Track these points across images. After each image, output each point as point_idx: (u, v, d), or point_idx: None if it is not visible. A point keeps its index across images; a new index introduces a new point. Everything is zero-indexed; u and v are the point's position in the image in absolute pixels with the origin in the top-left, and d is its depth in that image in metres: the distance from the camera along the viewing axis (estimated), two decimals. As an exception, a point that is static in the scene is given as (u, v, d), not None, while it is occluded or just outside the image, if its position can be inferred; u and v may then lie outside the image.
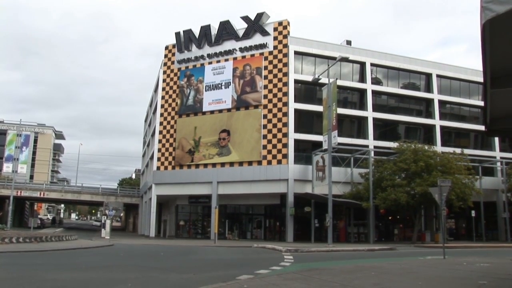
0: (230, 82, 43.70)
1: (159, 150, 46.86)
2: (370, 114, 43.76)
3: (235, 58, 44.18)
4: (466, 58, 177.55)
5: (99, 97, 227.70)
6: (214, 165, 43.11)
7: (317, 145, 38.74)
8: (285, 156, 40.11)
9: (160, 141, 47.08)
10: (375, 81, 45.92)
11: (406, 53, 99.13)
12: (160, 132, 47.34)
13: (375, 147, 41.83)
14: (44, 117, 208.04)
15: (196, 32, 46.42)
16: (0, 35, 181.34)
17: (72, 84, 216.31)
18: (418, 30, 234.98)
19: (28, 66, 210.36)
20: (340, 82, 38.26)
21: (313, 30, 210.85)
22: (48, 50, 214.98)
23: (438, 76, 47.52)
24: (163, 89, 48.27)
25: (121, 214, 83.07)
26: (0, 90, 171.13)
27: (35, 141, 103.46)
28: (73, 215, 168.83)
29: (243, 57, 43.80)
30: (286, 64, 41.77)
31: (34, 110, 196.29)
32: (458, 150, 40.51)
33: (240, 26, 44.39)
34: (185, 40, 46.97)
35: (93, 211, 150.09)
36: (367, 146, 41.45)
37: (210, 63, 45.44)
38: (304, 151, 41.59)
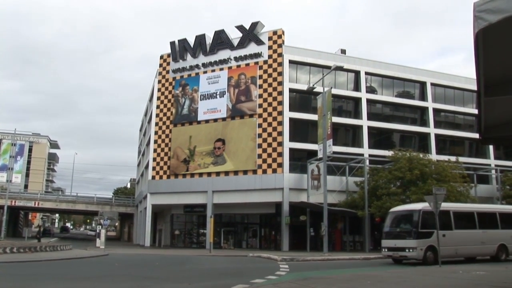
0: (225, 91, 43.76)
1: (154, 159, 46.78)
2: (365, 122, 43.87)
3: (230, 68, 44.27)
4: (464, 67, 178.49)
5: (98, 106, 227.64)
6: (209, 174, 43.05)
7: (312, 154, 38.74)
8: (280, 165, 40.10)
9: (155, 150, 47.01)
10: (370, 90, 46.06)
11: (405, 63, 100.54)
12: (155, 142, 47.28)
13: (370, 155, 41.87)
14: (42, 126, 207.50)
15: (191, 42, 46.52)
16: None
17: (71, 93, 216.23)
18: (417, 40, 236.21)
19: (27, 76, 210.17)
20: (334, 91, 38.38)
21: (313, 40, 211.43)
22: (47, 60, 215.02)
23: (432, 84, 47.73)
24: (158, 98, 48.29)
25: (116, 224, 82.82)
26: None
27: (30, 150, 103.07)
28: (68, 225, 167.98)
29: (238, 66, 43.90)
30: (281, 73, 41.88)
31: (32, 119, 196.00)
32: (453, 158, 40.55)
33: (235, 36, 44.52)
34: (180, 49, 47.06)
35: (88, 220, 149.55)
36: (362, 155, 41.49)
37: (205, 72, 45.51)
38: (299, 160, 41.59)
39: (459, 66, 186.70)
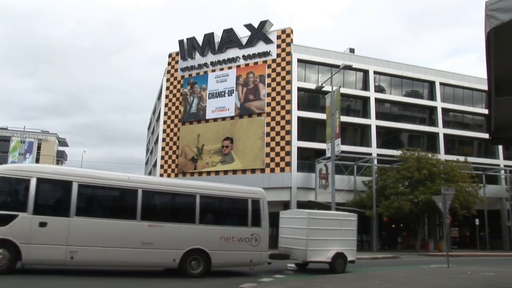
0: (233, 90, 43.77)
1: (162, 157, 46.88)
2: (373, 122, 43.74)
3: (238, 66, 44.28)
4: (478, 67, 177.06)
5: (110, 105, 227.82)
6: (217, 172, 43.09)
7: (320, 153, 38.69)
8: (288, 164, 40.07)
9: (163, 148, 47.10)
10: (378, 89, 45.92)
11: (417, 63, 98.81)
12: (163, 140, 47.37)
13: (378, 155, 41.76)
14: (53, 124, 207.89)
15: (200, 40, 46.56)
16: (13, 43, 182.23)
17: (83, 92, 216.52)
18: (430, 40, 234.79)
19: (39, 74, 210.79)
20: (343, 90, 38.25)
21: (325, 41, 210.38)
22: (60, 59, 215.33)
23: (441, 84, 47.51)
24: (167, 96, 48.37)
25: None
26: (11, 97, 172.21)
27: (39, 148, 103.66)
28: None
29: (247, 65, 43.90)
30: (289, 72, 41.84)
31: (44, 117, 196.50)
32: (461, 158, 40.41)
33: (243, 34, 44.52)
34: (188, 48, 47.12)
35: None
36: (370, 154, 41.39)
37: (213, 70, 45.54)
38: (307, 159, 41.53)
39: (472, 66, 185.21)
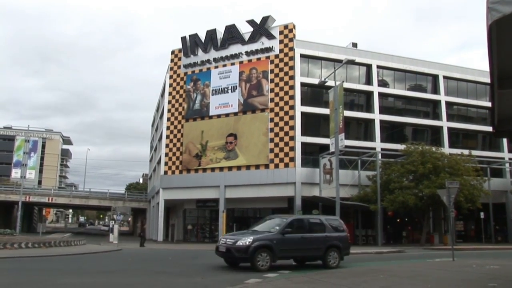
0: (236, 86, 43.75)
1: (166, 154, 46.92)
2: (377, 116, 43.67)
3: (241, 62, 44.23)
4: (485, 61, 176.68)
5: (116, 103, 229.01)
6: (221, 169, 43.11)
7: (324, 148, 38.68)
8: (292, 159, 40.07)
9: (167, 145, 47.14)
10: (382, 83, 45.82)
11: (425, 58, 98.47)
12: (167, 137, 47.41)
13: (382, 149, 41.71)
14: (60, 123, 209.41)
15: (202, 37, 46.49)
16: (21, 43, 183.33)
17: (89, 91, 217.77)
18: (439, 35, 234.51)
19: (47, 73, 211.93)
20: (346, 85, 38.20)
21: (335, 39, 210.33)
22: (67, 58, 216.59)
23: (445, 77, 47.37)
24: (170, 93, 48.37)
25: (129, 219, 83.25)
26: (19, 96, 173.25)
27: (43, 146, 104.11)
28: (81, 220, 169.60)
29: (249, 60, 43.85)
30: (292, 67, 41.79)
31: (52, 116, 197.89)
32: (466, 152, 40.33)
33: (245, 30, 44.45)
34: (191, 44, 47.07)
35: (101, 216, 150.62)
36: (374, 149, 41.35)
37: (216, 67, 45.51)
38: (311, 154, 41.53)
39: (480, 60, 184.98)
